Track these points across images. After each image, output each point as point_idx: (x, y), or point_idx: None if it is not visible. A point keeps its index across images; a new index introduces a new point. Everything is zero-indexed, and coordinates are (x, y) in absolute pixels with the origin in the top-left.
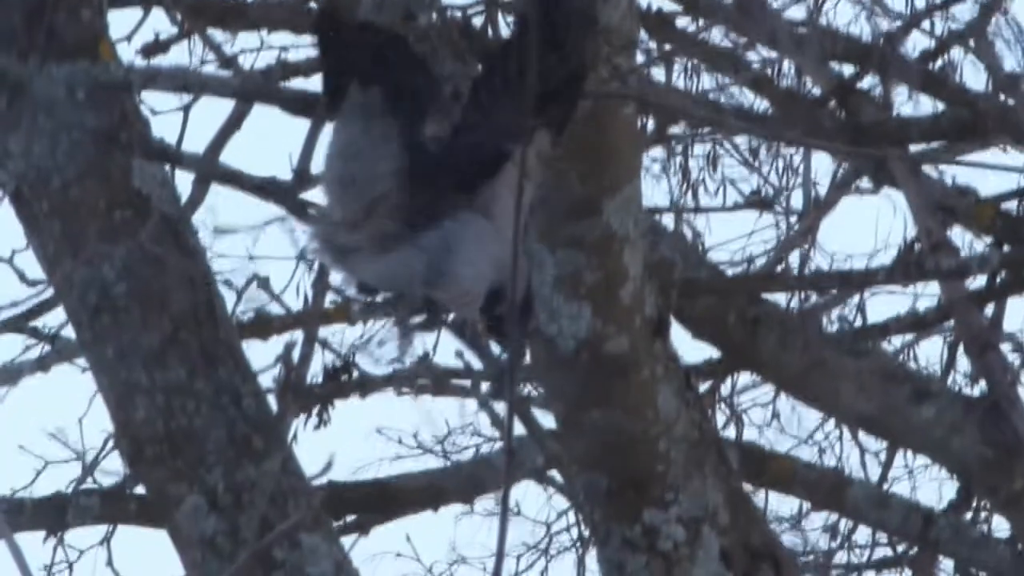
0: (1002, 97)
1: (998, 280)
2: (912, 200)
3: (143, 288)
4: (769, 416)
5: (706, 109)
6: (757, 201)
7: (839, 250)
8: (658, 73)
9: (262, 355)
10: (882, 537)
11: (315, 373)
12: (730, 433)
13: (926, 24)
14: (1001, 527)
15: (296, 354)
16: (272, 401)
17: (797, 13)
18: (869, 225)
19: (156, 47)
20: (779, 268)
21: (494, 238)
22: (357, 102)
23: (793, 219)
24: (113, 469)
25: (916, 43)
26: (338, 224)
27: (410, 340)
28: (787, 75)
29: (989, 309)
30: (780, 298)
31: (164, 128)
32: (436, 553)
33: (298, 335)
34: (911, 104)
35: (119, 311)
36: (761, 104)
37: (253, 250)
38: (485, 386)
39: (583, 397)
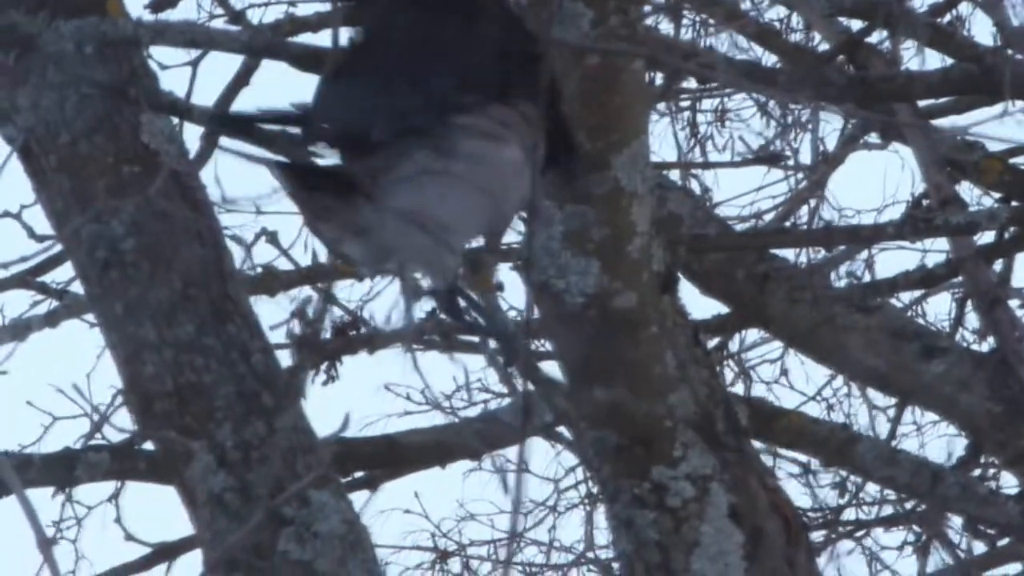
0: (1010, 52)
1: (1006, 235)
2: (920, 155)
3: (152, 244)
4: (778, 372)
5: (716, 67)
6: (766, 156)
7: (848, 205)
8: (666, 27)
9: (271, 311)
10: (890, 494)
11: (324, 329)
12: (739, 389)
13: None
14: (1009, 483)
15: (311, 309)
16: (282, 357)
17: None
18: (878, 180)
19: (164, 2)
20: (788, 224)
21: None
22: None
23: (802, 174)
24: (122, 425)
25: None
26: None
27: (417, 301)
28: (795, 29)
29: (998, 264)
30: (789, 254)
31: (172, 83)
32: (444, 510)
33: (309, 291)
34: (919, 59)
35: (127, 267)
36: (769, 59)
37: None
38: (493, 343)
39: (591, 353)
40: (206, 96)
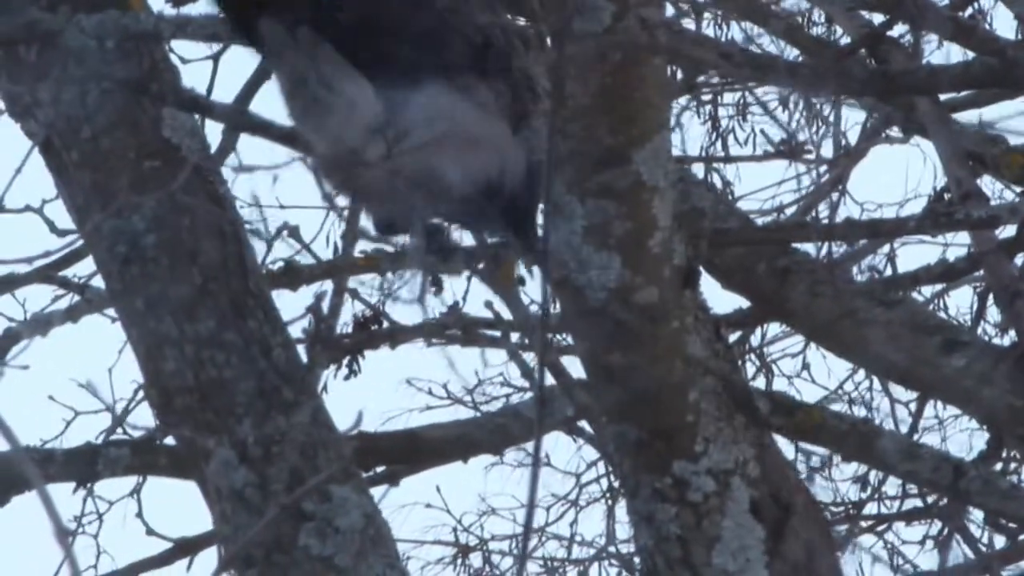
0: None
1: None
2: (942, 149)
3: (173, 239)
4: (799, 366)
5: (735, 61)
6: (787, 150)
7: (869, 199)
8: (688, 22)
9: (292, 305)
10: (912, 488)
11: (345, 323)
12: (760, 383)
13: None
14: None
15: (326, 304)
16: (302, 352)
17: None
18: (899, 174)
19: None
20: (809, 217)
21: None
22: None
23: (823, 168)
24: (143, 420)
25: None
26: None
27: (433, 281)
28: (817, 23)
29: (1019, 258)
30: (810, 248)
31: (194, 77)
32: (465, 504)
33: (328, 285)
34: (941, 52)
35: (148, 262)
36: (791, 53)
37: (282, 199)
38: (515, 336)
39: (612, 347)
40: (227, 90)
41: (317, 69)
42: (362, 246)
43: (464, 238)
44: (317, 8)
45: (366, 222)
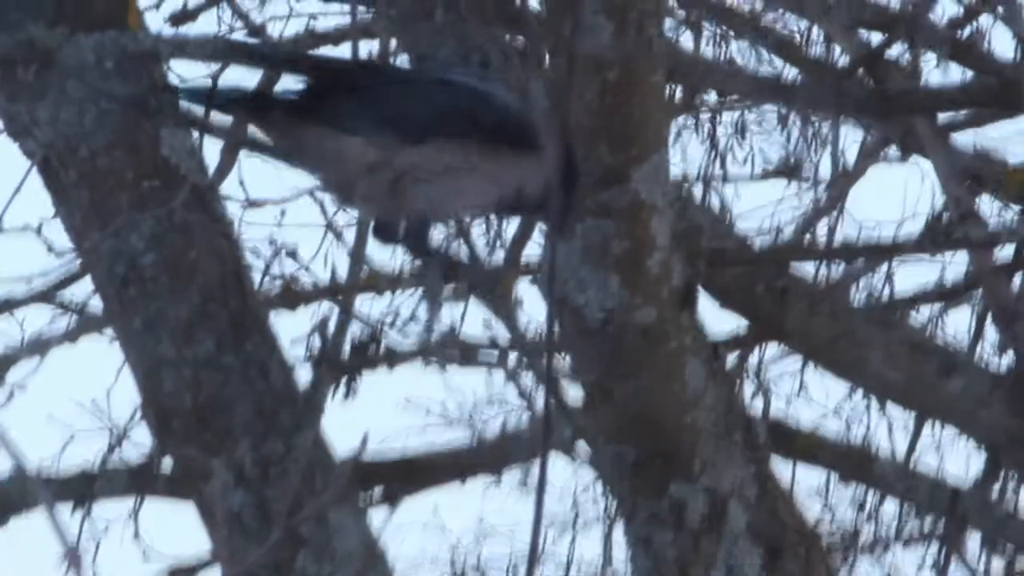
0: None
1: None
2: (940, 169)
3: (171, 259)
4: (797, 387)
5: (735, 78)
6: (785, 170)
7: (867, 219)
8: (686, 40)
9: (291, 327)
10: (910, 511)
11: (345, 344)
12: (758, 404)
13: None
14: None
15: (332, 324)
16: (300, 374)
17: None
18: (897, 194)
19: (185, 15)
20: (807, 238)
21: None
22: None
23: (821, 188)
24: (141, 441)
25: (944, 10)
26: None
27: (439, 307)
28: (815, 42)
29: (1017, 279)
30: (808, 268)
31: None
32: (463, 525)
33: (329, 306)
34: (939, 72)
35: (147, 282)
36: (790, 72)
37: (281, 220)
38: (513, 357)
39: (610, 368)
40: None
41: (301, 141)
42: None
43: (464, 257)
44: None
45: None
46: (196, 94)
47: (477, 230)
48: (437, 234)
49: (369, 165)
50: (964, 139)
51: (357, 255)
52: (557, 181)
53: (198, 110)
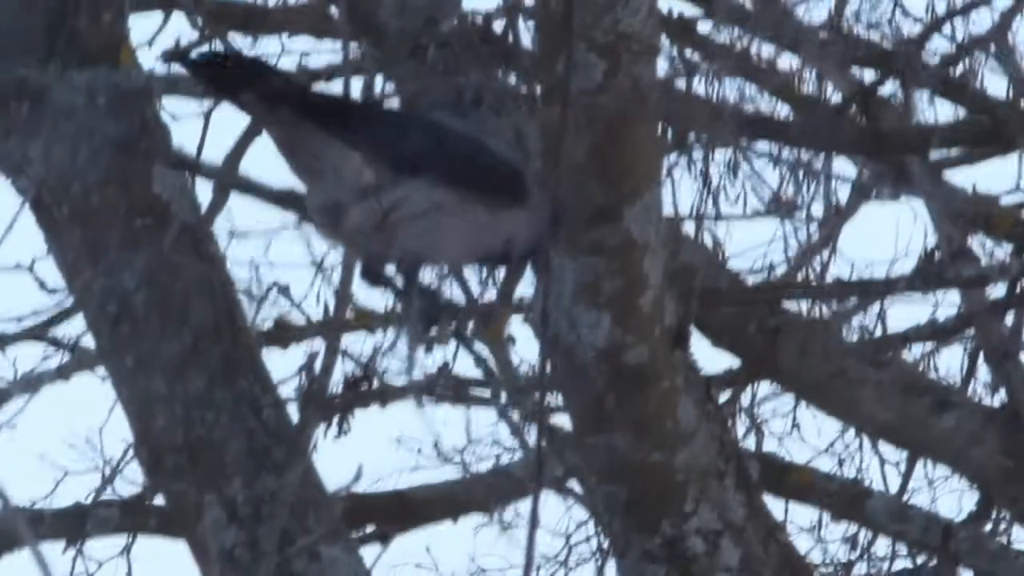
0: (1023, 103)
1: (1018, 288)
2: (933, 207)
3: (163, 297)
4: (789, 426)
5: (728, 119)
6: (778, 208)
7: (859, 258)
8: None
9: (282, 364)
10: (902, 548)
11: (336, 382)
12: (750, 443)
13: (947, 29)
14: (1021, 538)
15: (318, 364)
16: (293, 411)
17: (818, 17)
18: (890, 232)
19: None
20: (799, 276)
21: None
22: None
23: (813, 226)
24: (133, 479)
25: (937, 48)
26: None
27: (420, 348)
28: (809, 80)
29: (1009, 317)
30: (801, 306)
31: (185, 134)
32: (455, 564)
33: (319, 344)
34: (932, 110)
35: (139, 320)
36: (783, 110)
37: (272, 258)
38: (505, 396)
39: (602, 407)
40: (218, 147)
41: (301, 142)
42: (352, 305)
43: (455, 297)
44: (300, 92)
45: (358, 283)
46: (206, 65)
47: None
48: (425, 275)
49: (362, 187)
50: (957, 176)
51: (344, 294)
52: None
53: (190, 148)
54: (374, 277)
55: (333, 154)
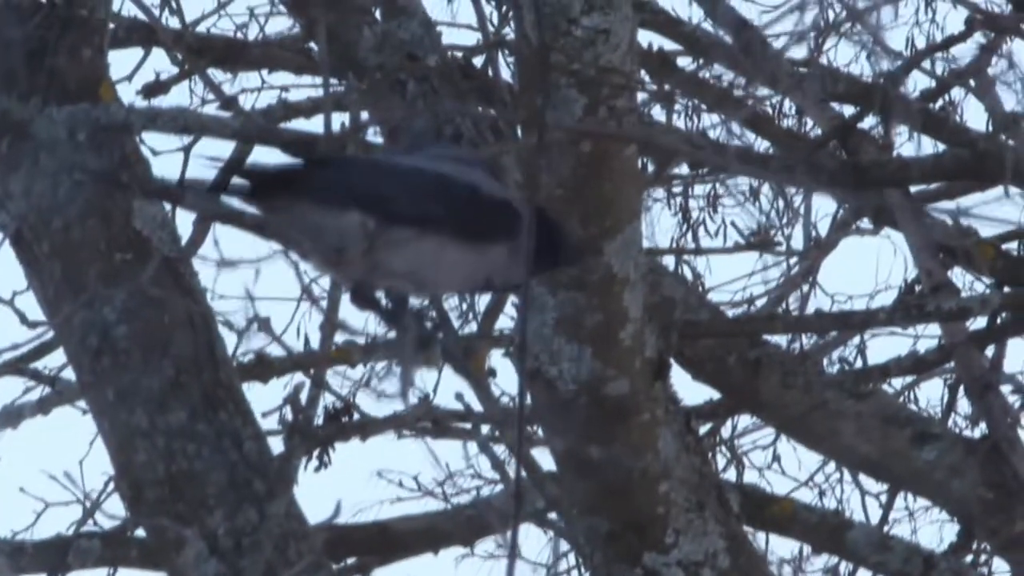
0: (1003, 137)
1: (999, 321)
2: (912, 241)
3: (144, 330)
4: (770, 458)
5: (707, 151)
6: (757, 242)
7: (839, 291)
8: (658, 113)
9: (263, 397)
10: None
11: (317, 415)
12: (731, 475)
13: (926, 64)
14: (1002, 569)
15: (304, 395)
16: (273, 444)
17: (798, 53)
18: (870, 266)
19: (157, 87)
20: (779, 309)
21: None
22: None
23: (793, 260)
24: (114, 512)
25: (917, 83)
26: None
27: (411, 378)
28: (788, 115)
29: (990, 350)
30: (781, 339)
31: (165, 169)
32: None
33: (301, 377)
34: (912, 144)
35: (120, 353)
36: (762, 144)
37: (254, 290)
38: (486, 428)
39: (583, 439)
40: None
41: (299, 217)
42: (337, 338)
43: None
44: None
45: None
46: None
47: (450, 302)
48: (412, 305)
49: (349, 240)
50: (937, 210)
51: (330, 325)
52: (535, 261)
53: (170, 179)
54: (363, 301)
55: (319, 218)
